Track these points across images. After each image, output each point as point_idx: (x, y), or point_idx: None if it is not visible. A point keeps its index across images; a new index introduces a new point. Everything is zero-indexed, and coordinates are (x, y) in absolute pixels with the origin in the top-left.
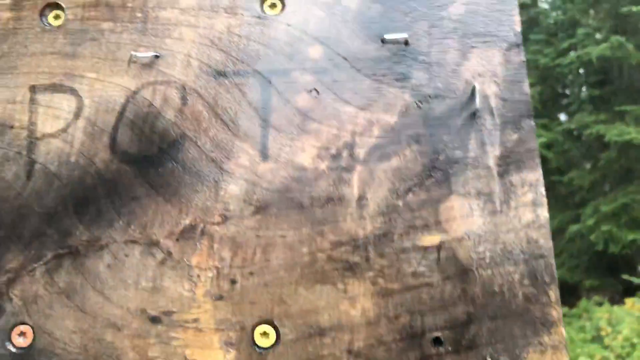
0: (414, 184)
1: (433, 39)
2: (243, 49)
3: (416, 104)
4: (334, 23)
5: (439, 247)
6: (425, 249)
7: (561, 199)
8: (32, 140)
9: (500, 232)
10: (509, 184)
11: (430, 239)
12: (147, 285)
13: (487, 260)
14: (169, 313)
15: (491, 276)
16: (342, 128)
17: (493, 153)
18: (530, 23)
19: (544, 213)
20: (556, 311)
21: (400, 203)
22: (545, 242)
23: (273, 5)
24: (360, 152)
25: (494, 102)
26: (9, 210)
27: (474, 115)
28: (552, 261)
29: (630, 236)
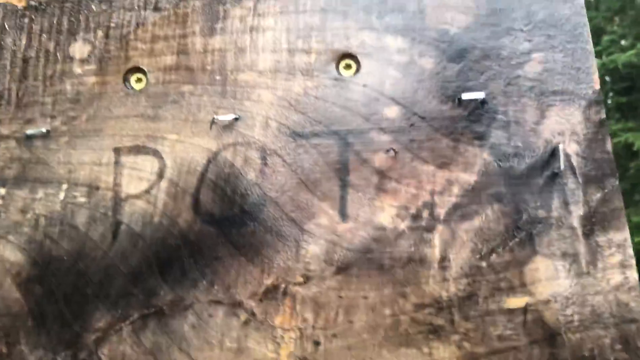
0: (497, 244)
1: (510, 98)
2: (320, 110)
3: (496, 162)
4: (409, 83)
5: (525, 310)
6: (511, 311)
7: None
8: (117, 201)
9: (588, 294)
10: (595, 245)
11: (516, 302)
12: (231, 346)
13: (576, 324)
14: None
15: (580, 340)
16: (421, 187)
17: (577, 213)
18: None
19: (633, 275)
20: None
21: (484, 264)
22: (637, 305)
23: (348, 66)
24: (441, 212)
25: (575, 160)
26: (96, 270)
27: (555, 174)
28: None
29: None
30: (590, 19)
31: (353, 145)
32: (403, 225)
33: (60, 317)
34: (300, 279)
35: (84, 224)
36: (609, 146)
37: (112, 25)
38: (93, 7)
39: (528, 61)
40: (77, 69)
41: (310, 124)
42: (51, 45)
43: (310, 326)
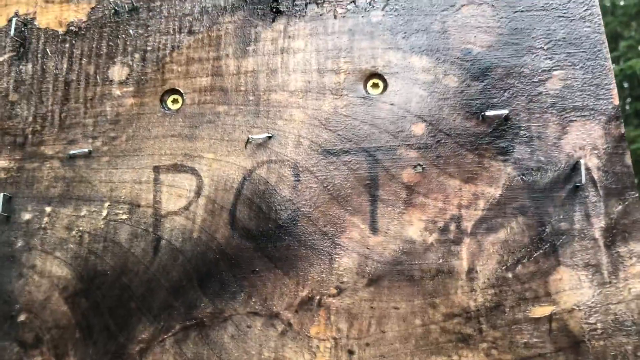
0: (522, 256)
1: (532, 114)
2: (349, 128)
3: (520, 177)
4: (435, 101)
5: (550, 319)
6: (537, 320)
7: None
8: (158, 218)
9: (611, 303)
10: (616, 256)
11: (542, 311)
12: (269, 356)
13: (599, 332)
14: None
15: (604, 347)
16: (448, 201)
17: (598, 225)
18: None
19: None
20: None
21: (509, 275)
22: None
23: (375, 86)
24: (468, 225)
25: (596, 174)
26: (139, 284)
27: (577, 187)
28: None
29: None
30: (606, 24)
31: (382, 161)
32: (431, 238)
33: (106, 329)
34: (334, 291)
35: (126, 240)
36: (628, 160)
37: (149, 48)
38: (130, 31)
39: (549, 78)
40: (116, 91)
41: (341, 142)
42: (91, 69)
43: (345, 336)
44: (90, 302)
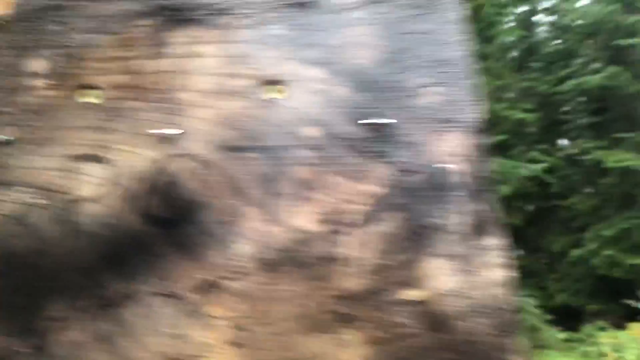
0: (401, 246)
1: (410, 124)
2: (253, 127)
3: (400, 177)
4: (328, 108)
5: (421, 302)
6: (410, 303)
7: (562, 223)
8: (73, 204)
9: (472, 289)
10: (478, 248)
11: (414, 294)
12: (173, 332)
13: (463, 313)
14: (192, 357)
15: (467, 327)
16: (338, 197)
17: (465, 221)
18: (530, 51)
19: (507, 274)
20: (520, 358)
21: (389, 263)
22: (509, 298)
23: (277, 91)
24: (355, 218)
25: (463, 178)
26: (53, 265)
27: (448, 188)
28: (515, 315)
29: (631, 261)
30: (564, 42)
31: (281, 159)
32: (323, 229)
33: (20, 307)
34: (233, 275)
35: (43, 223)
36: (489, 167)
37: (70, 45)
38: (53, 27)
39: (425, 93)
40: (36, 83)
41: (245, 140)
42: (13, 61)
43: (243, 316)
44: (7, 281)
